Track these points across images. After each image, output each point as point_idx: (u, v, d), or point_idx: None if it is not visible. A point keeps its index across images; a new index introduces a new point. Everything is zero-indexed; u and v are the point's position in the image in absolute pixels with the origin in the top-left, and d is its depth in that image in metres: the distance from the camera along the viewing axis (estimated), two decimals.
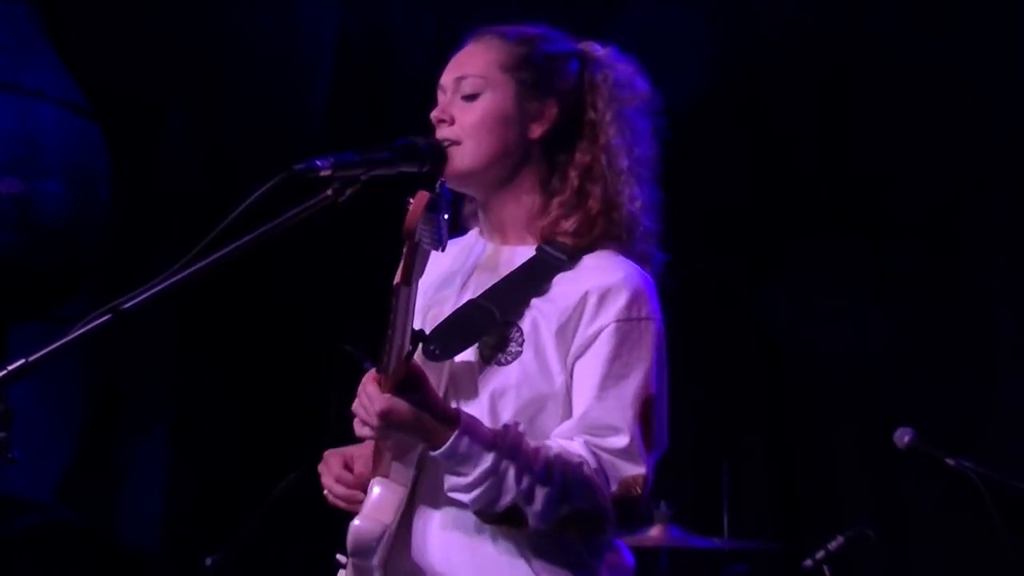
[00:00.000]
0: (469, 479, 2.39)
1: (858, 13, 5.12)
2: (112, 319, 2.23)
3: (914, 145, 5.02)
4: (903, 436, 3.93)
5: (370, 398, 2.38)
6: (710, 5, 5.17)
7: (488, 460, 2.37)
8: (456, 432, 2.37)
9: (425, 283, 2.56)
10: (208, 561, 4.13)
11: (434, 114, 2.57)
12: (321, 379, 4.85)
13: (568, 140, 2.59)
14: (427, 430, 2.38)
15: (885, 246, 5.06)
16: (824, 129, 5.16)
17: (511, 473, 2.38)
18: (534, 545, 2.47)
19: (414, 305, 2.36)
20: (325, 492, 2.59)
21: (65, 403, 5.33)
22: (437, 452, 2.39)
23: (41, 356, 2.19)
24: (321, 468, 2.60)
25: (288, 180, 2.31)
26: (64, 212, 5.02)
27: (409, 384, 2.36)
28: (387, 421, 2.36)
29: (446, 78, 2.60)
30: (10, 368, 2.17)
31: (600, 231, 2.55)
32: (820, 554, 4.24)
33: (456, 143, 2.54)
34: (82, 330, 2.22)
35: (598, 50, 2.66)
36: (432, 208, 2.28)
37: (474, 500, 2.41)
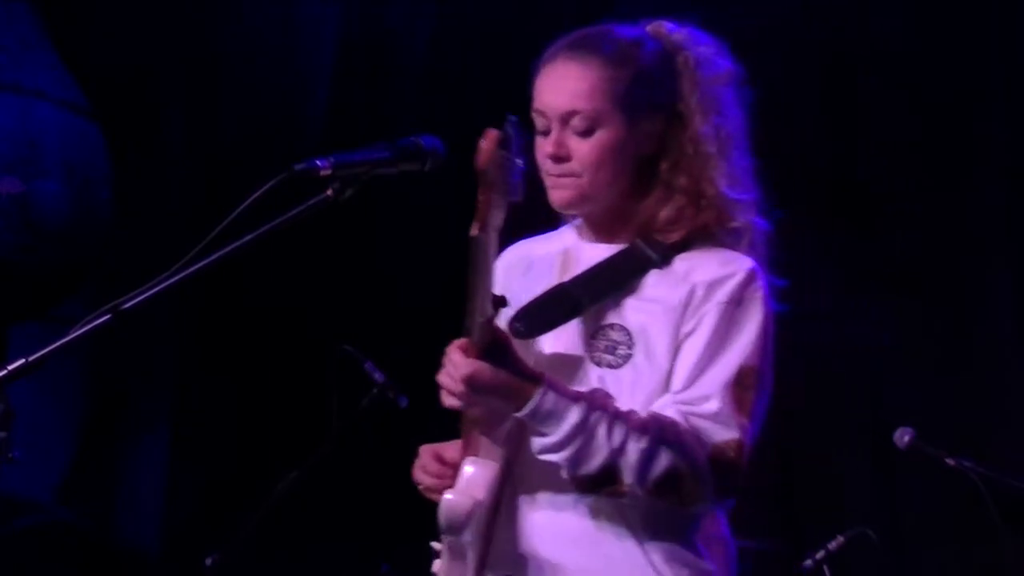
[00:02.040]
0: (558, 437, 2.39)
1: (859, 13, 5.12)
2: (112, 319, 2.23)
3: (914, 144, 5.02)
4: (903, 436, 3.93)
5: (455, 365, 2.39)
6: (710, 4, 5.17)
7: (575, 414, 2.39)
8: (541, 389, 2.38)
9: (520, 282, 2.58)
10: (208, 561, 4.13)
11: (551, 151, 2.53)
12: (321, 379, 4.85)
13: (658, 136, 2.58)
14: (513, 392, 2.39)
15: (885, 245, 5.06)
16: (824, 128, 5.16)
17: (602, 427, 2.39)
18: (642, 522, 2.48)
19: (494, 259, 2.36)
20: (419, 487, 2.59)
21: (65, 403, 5.32)
22: (522, 412, 2.40)
23: (41, 356, 2.20)
24: (415, 463, 2.60)
25: (288, 180, 2.31)
26: (64, 212, 5.02)
27: (494, 349, 2.38)
28: (472, 386, 2.38)
29: (549, 104, 2.55)
30: (10, 368, 2.17)
31: (690, 222, 2.55)
32: (820, 554, 4.25)
33: (576, 176, 2.54)
34: (82, 330, 2.23)
35: (675, 32, 2.63)
36: (503, 145, 2.30)
37: (566, 460, 2.41)
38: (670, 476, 2.40)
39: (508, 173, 2.32)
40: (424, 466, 2.58)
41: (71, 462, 5.33)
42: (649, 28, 2.64)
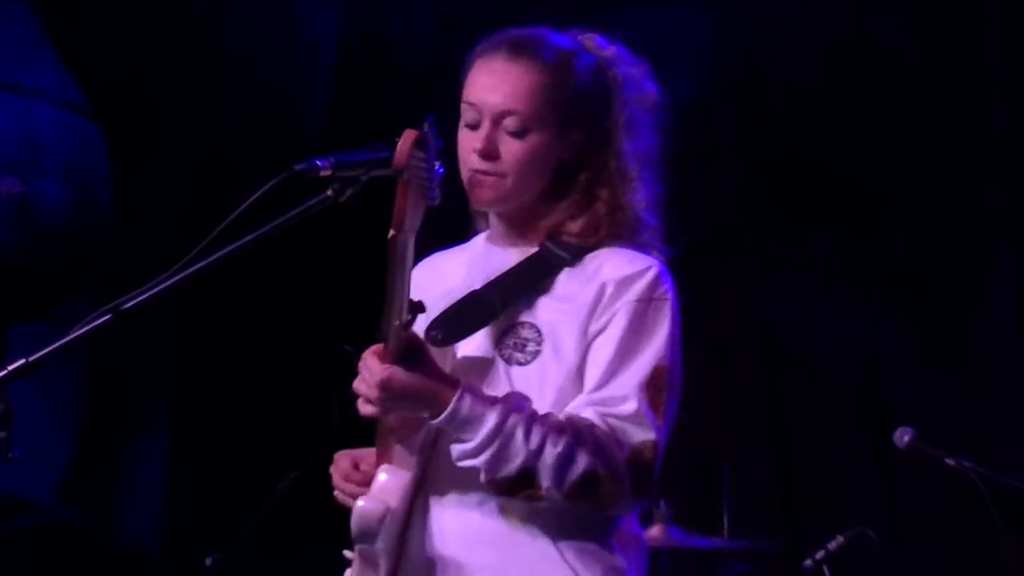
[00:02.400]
0: (476, 442, 2.39)
1: (859, 13, 5.12)
2: (112, 319, 2.23)
3: (914, 144, 5.02)
4: (903, 436, 3.93)
5: (370, 370, 2.39)
6: (710, 4, 5.17)
7: (493, 418, 2.38)
8: (458, 394, 2.38)
9: (433, 295, 2.56)
10: (208, 561, 4.13)
11: (480, 147, 2.54)
12: (321, 379, 4.84)
13: (582, 146, 2.60)
14: (429, 397, 2.39)
15: (884, 245, 5.06)
16: (824, 128, 5.16)
17: (519, 431, 2.38)
18: (556, 521, 2.47)
19: (411, 262, 2.36)
20: (335, 492, 2.58)
21: (65, 403, 5.32)
22: (440, 418, 2.39)
23: (41, 356, 2.20)
24: (332, 469, 2.60)
25: (288, 180, 2.31)
26: (64, 212, 5.03)
27: (409, 354, 2.38)
28: (388, 391, 2.37)
29: (485, 101, 2.56)
30: (10, 368, 2.18)
31: (605, 233, 2.57)
32: (820, 554, 4.25)
33: (500, 176, 2.55)
34: (82, 330, 2.23)
35: (605, 48, 2.66)
36: (420, 146, 2.28)
37: (484, 464, 2.40)
38: (588, 479, 2.40)
39: (426, 175, 2.31)
40: (347, 474, 2.57)
41: (71, 462, 5.33)
42: (581, 39, 2.66)
